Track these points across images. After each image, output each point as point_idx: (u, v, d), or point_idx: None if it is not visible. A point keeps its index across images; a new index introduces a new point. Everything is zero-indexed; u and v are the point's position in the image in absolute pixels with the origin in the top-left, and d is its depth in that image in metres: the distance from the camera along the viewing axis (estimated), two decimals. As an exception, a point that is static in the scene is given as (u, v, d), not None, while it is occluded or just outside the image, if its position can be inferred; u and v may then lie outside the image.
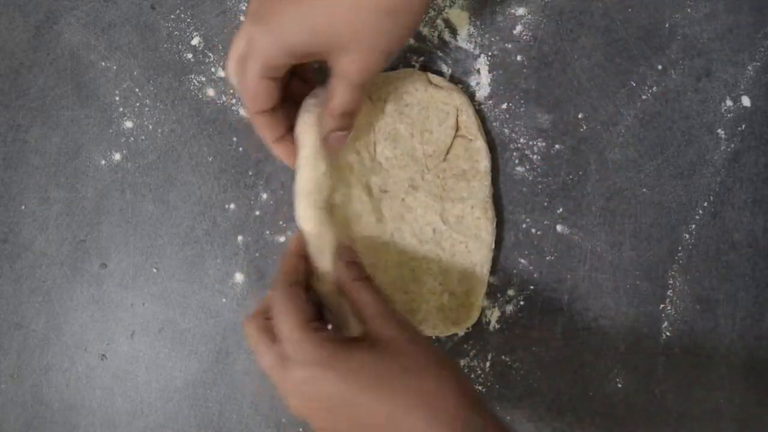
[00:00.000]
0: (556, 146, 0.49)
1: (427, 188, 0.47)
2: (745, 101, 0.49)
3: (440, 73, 0.49)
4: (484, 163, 0.48)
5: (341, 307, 0.42)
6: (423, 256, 0.47)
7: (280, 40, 0.38)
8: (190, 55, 0.50)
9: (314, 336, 0.37)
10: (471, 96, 0.49)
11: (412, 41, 0.49)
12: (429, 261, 0.47)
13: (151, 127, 0.51)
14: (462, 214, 0.47)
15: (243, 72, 0.39)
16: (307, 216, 0.41)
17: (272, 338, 0.38)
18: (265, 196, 0.50)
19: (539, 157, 0.49)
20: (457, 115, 0.48)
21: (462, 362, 0.49)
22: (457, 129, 0.48)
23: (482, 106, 0.49)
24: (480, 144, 0.48)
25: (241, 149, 0.50)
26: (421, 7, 0.37)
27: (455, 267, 0.48)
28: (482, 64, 0.49)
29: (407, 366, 0.37)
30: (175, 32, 0.51)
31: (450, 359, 0.39)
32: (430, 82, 0.48)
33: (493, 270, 0.49)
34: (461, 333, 0.49)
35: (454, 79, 0.49)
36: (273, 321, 0.38)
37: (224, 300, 0.50)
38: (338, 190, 0.44)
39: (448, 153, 0.48)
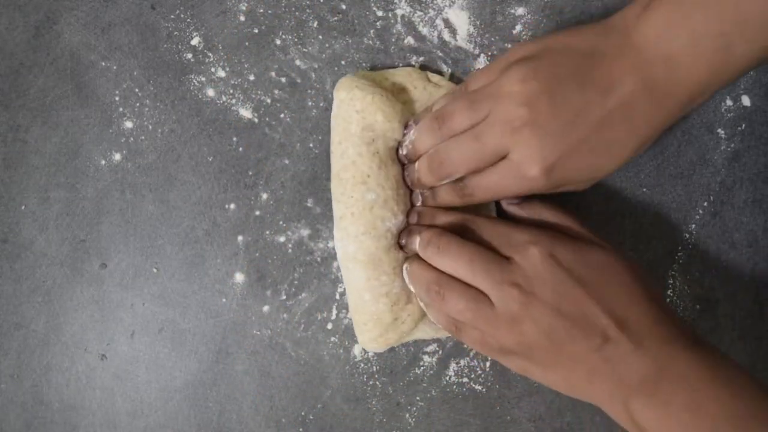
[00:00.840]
0: (556, 146, 0.49)
1: None
2: (745, 101, 0.49)
3: (440, 73, 0.49)
4: None
5: None
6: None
7: (547, 188, 0.40)
8: (190, 55, 0.51)
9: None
10: (471, 96, 0.49)
11: (412, 41, 0.49)
12: None
13: (151, 127, 0.51)
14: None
15: (489, 186, 0.41)
16: None
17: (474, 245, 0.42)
18: (265, 196, 0.50)
19: (539, 157, 0.49)
20: None
21: (462, 362, 0.49)
22: None
23: (482, 106, 0.49)
24: None
25: (241, 149, 0.50)
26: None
27: None
28: (482, 64, 0.49)
29: (637, 266, 0.41)
30: (175, 32, 0.51)
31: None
32: (429, 81, 0.48)
33: (493, 270, 0.49)
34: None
35: (454, 79, 0.49)
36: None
37: (224, 300, 0.50)
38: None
39: None
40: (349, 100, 0.45)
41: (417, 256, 0.44)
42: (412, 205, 0.46)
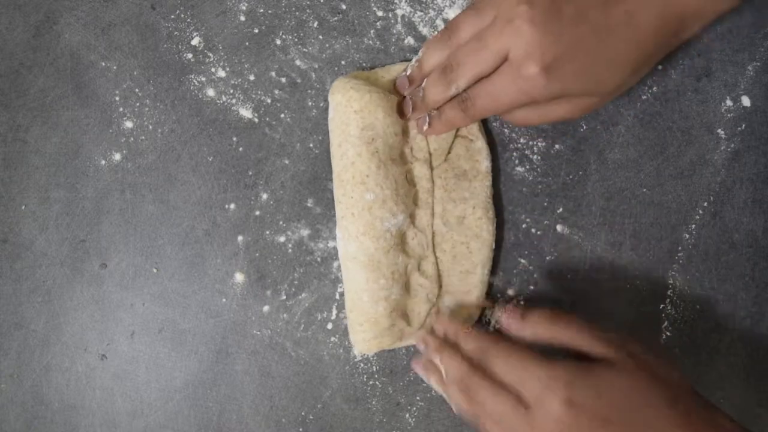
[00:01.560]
0: (556, 146, 0.49)
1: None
2: (745, 101, 0.49)
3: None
4: (485, 163, 0.48)
5: None
6: (424, 258, 0.47)
7: (559, 91, 0.40)
8: (190, 55, 0.50)
9: (555, 362, 0.39)
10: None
11: (412, 41, 0.49)
12: (429, 263, 0.47)
13: (151, 127, 0.51)
14: (463, 214, 0.47)
15: (488, 94, 0.41)
16: None
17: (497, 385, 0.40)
18: (265, 196, 0.50)
19: (539, 157, 0.49)
20: None
21: (462, 362, 0.49)
22: (458, 129, 0.48)
23: (482, 106, 0.49)
24: (481, 144, 0.48)
25: (241, 149, 0.50)
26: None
27: (456, 268, 0.48)
28: (482, 64, 0.49)
29: (643, 387, 0.38)
30: (175, 32, 0.51)
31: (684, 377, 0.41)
32: None
33: (493, 270, 0.49)
34: (461, 333, 0.49)
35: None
36: (502, 367, 0.40)
37: (224, 300, 0.50)
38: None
39: (449, 153, 0.48)
40: (345, 102, 0.45)
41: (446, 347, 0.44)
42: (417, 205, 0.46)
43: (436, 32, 0.49)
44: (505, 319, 0.44)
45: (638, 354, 0.40)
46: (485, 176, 0.48)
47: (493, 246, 0.48)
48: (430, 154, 0.47)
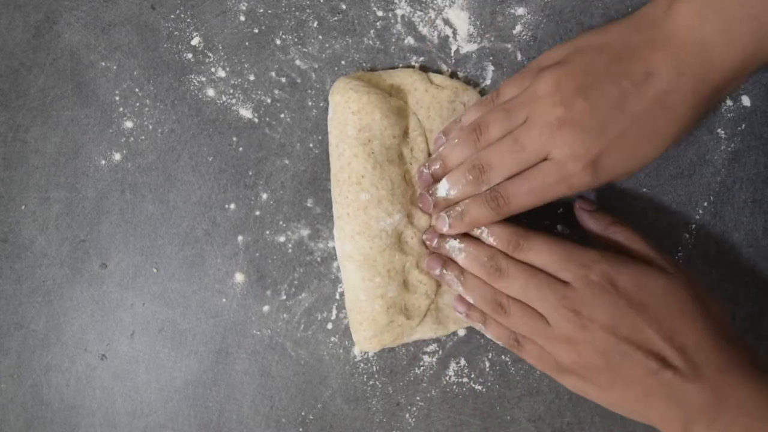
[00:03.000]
0: (556, 146, 0.49)
1: None
2: (745, 101, 0.49)
3: (441, 73, 0.49)
4: None
5: None
6: (423, 255, 0.47)
7: (593, 184, 0.40)
8: (190, 55, 0.50)
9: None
10: (471, 96, 0.49)
11: (412, 41, 0.49)
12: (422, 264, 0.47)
13: (151, 127, 0.51)
14: None
15: (530, 190, 0.41)
16: None
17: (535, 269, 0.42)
18: (265, 196, 0.50)
19: (539, 157, 0.49)
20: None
21: (461, 362, 0.49)
22: None
23: (482, 106, 0.49)
24: None
25: (241, 149, 0.50)
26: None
27: None
28: (482, 63, 0.49)
29: (696, 297, 0.41)
30: (175, 32, 0.51)
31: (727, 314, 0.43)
32: (431, 82, 0.48)
33: (493, 270, 0.49)
34: (461, 333, 0.49)
35: (455, 78, 0.49)
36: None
37: (224, 300, 0.50)
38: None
39: None
40: (344, 102, 0.45)
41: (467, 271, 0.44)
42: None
43: (436, 32, 0.49)
44: (579, 209, 0.45)
45: (693, 278, 0.41)
46: None
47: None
48: (430, 155, 0.47)
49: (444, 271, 0.45)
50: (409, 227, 0.47)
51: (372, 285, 0.45)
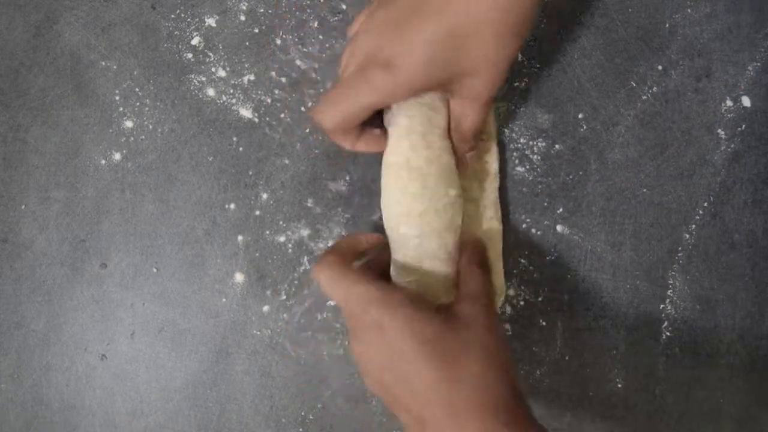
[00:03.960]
0: (556, 146, 0.49)
1: None
2: (745, 101, 0.49)
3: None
4: (494, 165, 0.48)
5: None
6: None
7: (405, 86, 0.39)
8: (190, 55, 0.50)
9: (390, 287, 0.40)
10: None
11: (412, 41, 0.49)
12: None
13: (151, 127, 0.51)
14: (475, 214, 0.47)
15: (346, 98, 0.40)
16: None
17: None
18: (265, 196, 0.50)
19: (539, 157, 0.49)
20: None
21: (462, 362, 0.49)
22: None
23: (482, 106, 0.49)
24: (490, 144, 0.48)
25: (241, 149, 0.50)
26: (534, 14, 0.38)
27: None
28: (482, 64, 0.49)
29: (471, 347, 0.37)
30: (175, 32, 0.51)
31: (514, 366, 0.40)
32: None
33: (493, 270, 0.49)
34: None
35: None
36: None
37: (224, 300, 0.50)
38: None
39: None
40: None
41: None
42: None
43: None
44: None
45: (489, 330, 0.39)
46: (494, 178, 0.48)
47: (501, 245, 0.48)
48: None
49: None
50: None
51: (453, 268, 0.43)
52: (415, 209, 0.42)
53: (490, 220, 0.48)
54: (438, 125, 0.42)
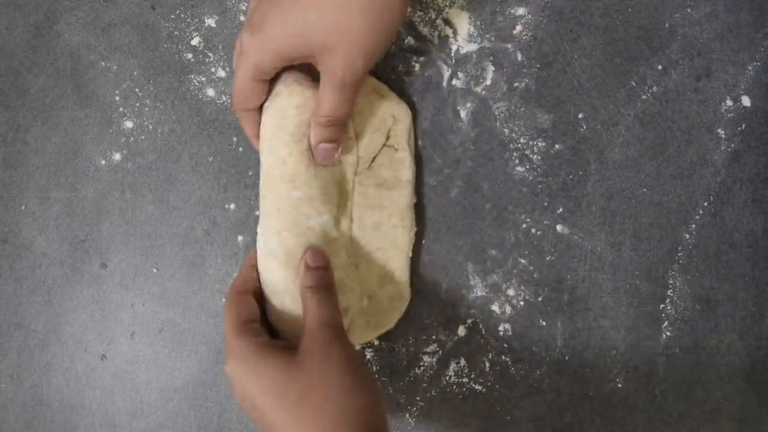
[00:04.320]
0: (556, 146, 0.49)
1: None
2: (745, 101, 0.49)
3: (442, 74, 0.49)
4: (406, 174, 0.48)
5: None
6: (343, 262, 0.46)
7: (267, 46, 0.40)
8: (190, 55, 0.50)
9: (244, 337, 0.40)
10: (470, 95, 0.49)
11: (412, 41, 0.49)
12: (347, 266, 0.46)
13: (151, 127, 0.51)
14: (380, 221, 0.47)
15: (234, 76, 0.42)
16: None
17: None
18: (265, 196, 0.50)
19: (539, 157, 0.49)
20: (391, 125, 0.48)
21: (461, 362, 0.49)
22: (387, 139, 0.48)
23: (482, 106, 0.49)
24: (404, 155, 0.48)
25: (241, 149, 0.50)
26: (402, 4, 0.39)
27: (373, 272, 0.47)
28: (482, 63, 0.49)
29: (316, 388, 0.37)
30: (175, 32, 0.51)
31: (372, 395, 0.39)
32: (373, 88, 0.48)
33: (494, 269, 0.49)
34: (461, 332, 0.49)
35: (454, 82, 0.49)
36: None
37: (224, 300, 0.50)
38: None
39: (373, 161, 0.48)
40: (287, 94, 0.44)
41: None
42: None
43: (436, 32, 0.49)
44: (307, 257, 0.44)
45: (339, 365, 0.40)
46: (405, 186, 0.48)
47: (410, 254, 0.48)
48: (358, 160, 0.47)
49: None
50: (334, 230, 0.45)
51: (293, 287, 0.43)
52: (262, 210, 0.44)
53: (394, 228, 0.47)
54: (294, 118, 0.44)
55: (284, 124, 0.44)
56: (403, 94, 0.50)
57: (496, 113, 0.49)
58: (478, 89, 0.49)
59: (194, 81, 0.50)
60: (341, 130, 0.44)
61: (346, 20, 0.38)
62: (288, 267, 0.43)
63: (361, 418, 0.37)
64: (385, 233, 0.47)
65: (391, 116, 0.48)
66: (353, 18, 0.38)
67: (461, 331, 0.49)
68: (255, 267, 0.44)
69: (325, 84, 0.41)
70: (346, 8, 0.38)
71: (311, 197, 0.44)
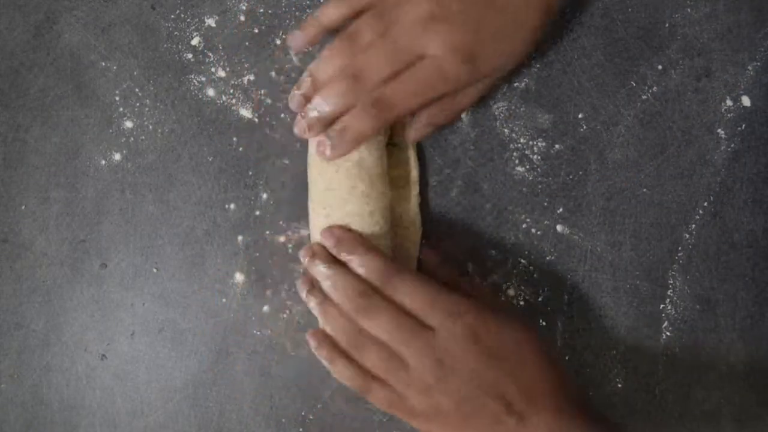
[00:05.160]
0: (556, 146, 0.49)
1: None
2: (745, 101, 0.49)
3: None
4: (413, 172, 0.48)
5: None
6: None
7: (471, 78, 0.41)
8: (190, 55, 0.50)
9: (470, 298, 0.42)
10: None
11: (412, 41, 0.49)
12: None
13: (151, 127, 0.51)
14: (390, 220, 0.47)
15: (411, 91, 0.41)
16: None
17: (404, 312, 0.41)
18: (265, 196, 0.50)
19: (539, 157, 0.49)
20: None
21: (462, 362, 0.49)
22: (391, 136, 0.48)
23: (482, 106, 0.49)
24: (410, 153, 0.48)
25: (241, 149, 0.50)
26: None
27: None
28: (482, 64, 0.49)
29: (547, 346, 0.43)
30: (175, 32, 0.51)
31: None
32: None
33: (494, 269, 0.49)
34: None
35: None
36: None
37: (224, 300, 0.50)
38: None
39: None
40: None
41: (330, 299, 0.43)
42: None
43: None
44: (429, 256, 0.47)
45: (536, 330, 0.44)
46: (413, 186, 0.48)
47: (417, 255, 0.48)
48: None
49: (308, 296, 0.43)
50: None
51: None
52: (365, 209, 0.43)
53: (406, 230, 0.48)
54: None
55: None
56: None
57: (496, 113, 0.49)
58: (478, 89, 0.49)
59: (194, 81, 0.50)
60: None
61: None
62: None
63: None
64: (395, 235, 0.47)
65: None
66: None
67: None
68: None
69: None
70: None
71: (371, 211, 0.44)
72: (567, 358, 0.49)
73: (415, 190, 0.48)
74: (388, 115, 0.40)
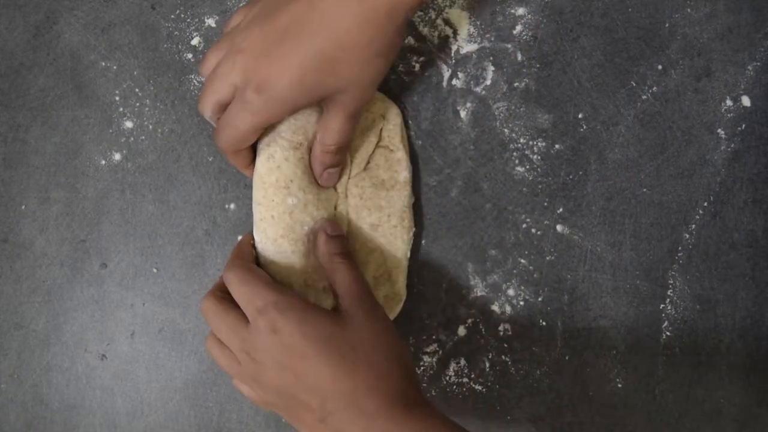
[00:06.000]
0: (556, 146, 0.49)
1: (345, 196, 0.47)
2: (745, 101, 0.49)
3: (442, 74, 0.49)
4: (403, 174, 0.48)
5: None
6: None
7: (279, 107, 0.40)
8: (190, 55, 0.51)
9: (287, 291, 0.41)
10: (470, 95, 0.49)
11: (412, 41, 0.49)
12: None
13: (151, 127, 0.51)
14: (378, 222, 0.47)
15: (229, 123, 0.41)
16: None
17: (232, 306, 0.42)
18: (265, 196, 0.50)
19: (539, 157, 0.49)
20: (382, 125, 0.48)
21: (461, 362, 0.49)
22: (380, 139, 0.48)
23: (482, 106, 0.49)
24: (401, 155, 0.48)
25: (241, 149, 0.50)
26: (400, 40, 0.40)
27: (369, 273, 0.47)
28: (482, 63, 0.49)
29: (363, 341, 0.40)
30: (175, 32, 0.51)
31: (407, 350, 0.42)
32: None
33: (494, 269, 0.49)
34: (461, 332, 0.49)
35: (454, 79, 0.49)
36: (236, 289, 0.42)
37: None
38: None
39: (368, 162, 0.48)
40: None
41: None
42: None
43: (436, 32, 0.49)
44: (326, 228, 0.46)
45: (379, 323, 0.42)
46: (403, 186, 0.48)
47: (408, 254, 0.48)
48: (351, 162, 0.47)
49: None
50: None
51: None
52: (256, 217, 0.45)
53: (393, 229, 0.47)
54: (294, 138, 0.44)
55: (281, 128, 0.44)
56: (403, 95, 0.50)
57: (496, 113, 0.49)
58: (478, 89, 0.49)
59: (194, 81, 0.50)
60: (345, 152, 0.45)
61: (359, 67, 0.39)
62: (283, 275, 0.44)
63: (410, 365, 0.41)
64: (383, 234, 0.47)
65: (380, 116, 0.48)
66: (365, 63, 0.39)
67: (461, 331, 0.49)
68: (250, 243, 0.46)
69: (336, 116, 0.42)
70: (358, 58, 0.39)
71: (306, 203, 0.44)
72: (567, 358, 0.49)
73: (406, 190, 0.48)
74: (221, 144, 0.43)
